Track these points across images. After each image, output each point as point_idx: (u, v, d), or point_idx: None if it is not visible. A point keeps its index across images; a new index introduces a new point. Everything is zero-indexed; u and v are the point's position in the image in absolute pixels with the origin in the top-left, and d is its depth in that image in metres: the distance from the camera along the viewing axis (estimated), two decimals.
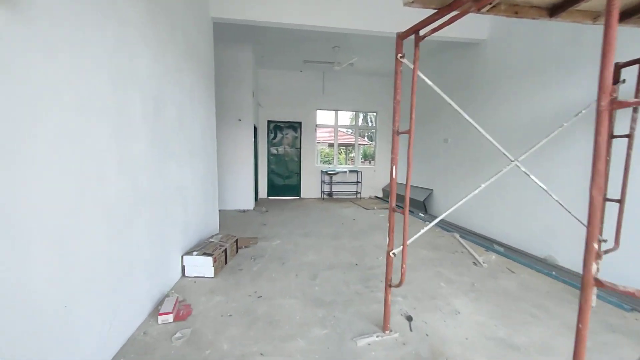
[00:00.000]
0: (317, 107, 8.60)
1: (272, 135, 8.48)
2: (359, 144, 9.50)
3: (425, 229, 2.09)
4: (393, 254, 2.04)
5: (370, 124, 17.05)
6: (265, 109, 8.27)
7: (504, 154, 2.16)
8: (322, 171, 8.62)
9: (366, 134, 19.94)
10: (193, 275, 3.02)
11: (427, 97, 6.79)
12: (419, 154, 7.06)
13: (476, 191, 2.16)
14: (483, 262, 3.55)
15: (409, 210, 2.38)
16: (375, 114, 9.08)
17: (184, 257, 3.01)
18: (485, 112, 4.76)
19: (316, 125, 8.67)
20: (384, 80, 8.72)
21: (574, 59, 3.36)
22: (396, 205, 2.08)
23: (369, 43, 6.10)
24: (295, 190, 8.71)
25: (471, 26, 4.71)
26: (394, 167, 2.02)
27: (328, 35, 5.66)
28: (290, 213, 6.41)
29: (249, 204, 6.70)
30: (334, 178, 8.77)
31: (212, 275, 3.01)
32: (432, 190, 6.44)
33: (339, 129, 8.98)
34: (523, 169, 2.21)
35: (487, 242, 4.33)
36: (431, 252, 3.96)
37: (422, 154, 6.86)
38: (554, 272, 3.21)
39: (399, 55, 1.90)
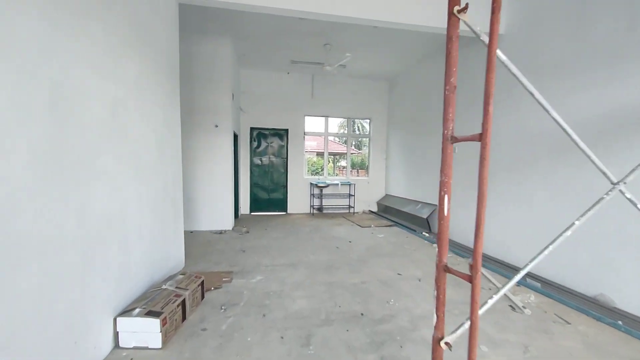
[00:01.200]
0: (306, 113, 7.81)
1: (255, 144, 7.61)
2: (346, 153, 8.74)
3: (498, 296, 1.27)
4: (447, 344, 1.20)
5: (358, 132, 16.41)
6: (248, 114, 7.42)
7: (605, 174, 1.39)
8: (311, 183, 7.79)
9: (353, 143, 19.62)
10: (131, 346, 2.09)
11: (425, 95, 6.13)
12: (419, 163, 6.35)
13: (568, 232, 1.38)
14: (523, 306, 2.76)
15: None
16: (368, 120, 8.37)
17: (118, 319, 2.08)
18: (498, 120, 4.09)
19: (304, 133, 7.86)
20: (378, 85, 8.05)
21: (630, 50, 2.69)
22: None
23: (363, 40, 5.39)
24: (281, 205, 7.82)
25: (483, 19, 4.05)
26: (445, 195, 1.21)
27: (318, 29, 4.91)
28: (275, 233, 5.51)
29: (227, 224, 5.76)
30: (325, 191, 7.95)
31: (160, 345, 2.09)
32: (436, 206, 5.69)
33: (329, 137, 8.21)
34: (628, 196, 1.44)
35: (512, 273, 3.57)
36: (452, 289, 3.16)
37: (424, 162, 6.15)
38: (620, 322, 2.46)
39: (456, 8, 1.11)
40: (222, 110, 5.58)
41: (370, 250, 4.56)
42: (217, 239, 5.04)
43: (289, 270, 3.65)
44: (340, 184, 7.79)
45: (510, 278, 3.38)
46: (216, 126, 5.56)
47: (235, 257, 4.10)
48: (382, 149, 8.29)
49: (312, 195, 7.84)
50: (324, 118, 8.04)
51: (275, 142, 7.72)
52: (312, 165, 14.41)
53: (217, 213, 5.69)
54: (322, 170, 8.51)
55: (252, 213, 7.65)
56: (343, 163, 17.25)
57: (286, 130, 7.71)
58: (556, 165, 3.33)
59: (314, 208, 7.86)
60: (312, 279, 3.38)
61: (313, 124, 8.14)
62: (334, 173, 17.16)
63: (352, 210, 7.99)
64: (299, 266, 3.79)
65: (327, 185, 7.76)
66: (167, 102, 3.17)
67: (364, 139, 12.45)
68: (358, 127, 19.15)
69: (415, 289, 3.16)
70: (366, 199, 8.22)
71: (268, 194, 7.75)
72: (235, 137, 6.65)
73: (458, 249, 4.58)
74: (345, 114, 8.15)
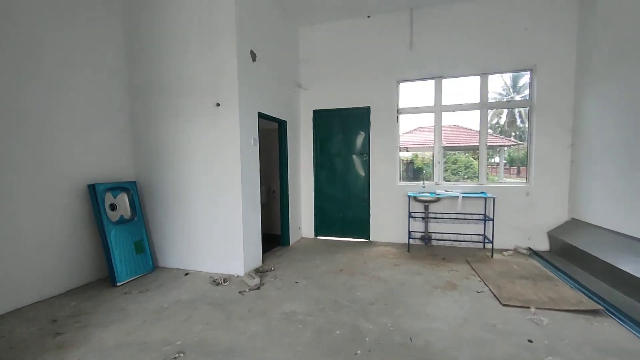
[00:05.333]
0: (401, 77, 4.66)
1: (320, 134, 5.09)
2: (496, 145, 4.80)
3: None
4: None
5: (508, 96, 9.07)
6: (309, 92, 5.00)
7: None
8: (409, 195, 4.54)
9: (513, 132, 12.07)
10: None
11: None
12: None
13: None
14: None
15: None
16: (529, 72, 4.31)
17: None
18: None
19: (398, 111, 4.72)
20: None
21: None
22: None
23: None
24: (361, 227, 4.97)
25: None
26: None
27: None
28: (305, 301, 2.81)
29: (237, 265, 3.51)
30: (434, 208, 4.55)
31: None
32: None
33: (443, 112, 4.68)
34: None
35: None
36: None
37: None
38: None
39: None
40: (226, 79, 3.37)
41: None
42: (188, 304, 2.84)
43: None
44: (461, 195, 4.20)
45: None
46: (217, 105, 3.40)
47: None
48: (561, 128, 4.09)
49: (412, 215, 4.58)
50: (432, 81, 4.62)
51: (351, 130, 4.94)
52: (415, 163, 9.15)
53: (220, 247, 3.53)
54: (424, 173, 4.95)
55: (317, 237, 5.18)
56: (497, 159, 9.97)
57: (367, 109, 4.81)
58: None
59: (413, 236, 4.61)
60: None
61: (414, 94, 4.84)
62: (463, 176, 11.31)
63: (488, 245, 4.22)
64: None
65: (439, 199, 4.36)
66: None
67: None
68: (506, 89, 10.35)
69: None
70: (522, 226, 4.25)
71: (341, 210, 5.07)
72: (282, 124, 4.38)
73: None
74: (476, 69, 4.42)
